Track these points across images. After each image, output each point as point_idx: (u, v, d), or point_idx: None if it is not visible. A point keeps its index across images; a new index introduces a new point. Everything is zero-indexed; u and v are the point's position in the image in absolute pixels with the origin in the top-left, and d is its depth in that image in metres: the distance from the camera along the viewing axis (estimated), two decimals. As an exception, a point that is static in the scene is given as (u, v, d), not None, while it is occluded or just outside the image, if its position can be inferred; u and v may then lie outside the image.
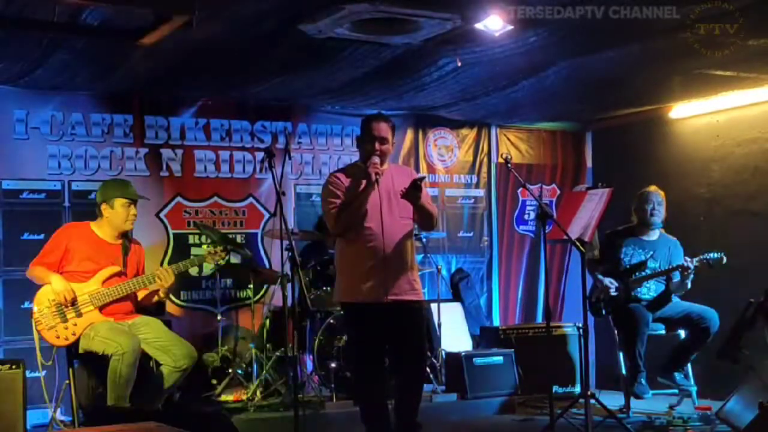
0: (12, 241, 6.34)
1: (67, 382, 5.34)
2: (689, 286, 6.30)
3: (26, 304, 5.97)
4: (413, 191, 4.71)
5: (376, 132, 4.83)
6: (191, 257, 6.01)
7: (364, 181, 4.76)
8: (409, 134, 7.87)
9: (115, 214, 5.41)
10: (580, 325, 5.88)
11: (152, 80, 6.29)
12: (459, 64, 5.87)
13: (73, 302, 5.23)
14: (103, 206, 5.43)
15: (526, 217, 8.39)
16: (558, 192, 8.44)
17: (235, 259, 6.83)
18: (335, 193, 4.83)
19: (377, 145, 4.81)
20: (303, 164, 7.41)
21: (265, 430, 5.77)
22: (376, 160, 4.77)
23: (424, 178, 4.94)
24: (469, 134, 8.20)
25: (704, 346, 6.20)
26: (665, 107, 7.58)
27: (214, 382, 6.40)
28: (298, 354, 6.10)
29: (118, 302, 5.35)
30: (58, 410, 5.60)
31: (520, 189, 8.23)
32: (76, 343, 5.24)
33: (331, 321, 6.31)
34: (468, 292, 7.99)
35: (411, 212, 4.88)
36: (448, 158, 8.09)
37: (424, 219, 4.93)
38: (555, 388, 6.45)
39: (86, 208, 5.92)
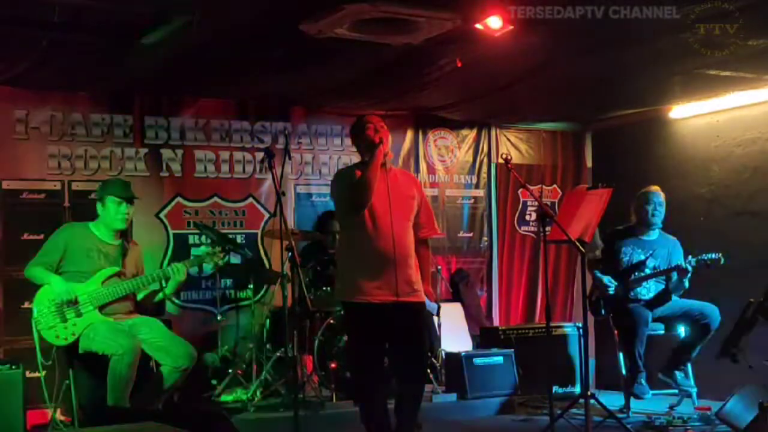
0: (12, 241, 6.34)
1: (67, 382, 5.35)
2: (687, 285, 6.30)
3: (26, 304, 5.96)
4: None
5: (369, 120, 4.80)
6: (192, 258, 6.01)
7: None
8: (409, 134, 7.86)
9: (107, 213, 5.43)
10: (580, 325, 5.88)
11: (152, 80, 6.29)
12: (459, 64, 5.87)
13: (73, 302, 5.24)
14: (98, 205, 5.47)
15: (527, 217, 8.39)
16: (559, 192, 8.44)
17: (235, 259, 6.83)
18: (351, 175, 4.75)
19: (378, 125, 4.76)
20: (303, 164, 7.40)
21: (265, 430, 5.77)
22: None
23: None
24: (469, 135, 8.20)
25: (705, 343, 6.19)
26: (665, 107, 7.57)
27: (214, 382, 6.40)
28: (298, 354, 6.11)
29: (117, 302, 5.35)
30: (58, 410, 5.60)
31: (521, 189, 8.22)
32: (76, 343, 5.24)
33: (331, 321, 6.32)
34: (468, 292, 7.98)
35: (413, 215, 4.88)
36: (448, 159, 8.09)
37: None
38: (555, 388, 6.45)
39: (86, 208, 5.91)
